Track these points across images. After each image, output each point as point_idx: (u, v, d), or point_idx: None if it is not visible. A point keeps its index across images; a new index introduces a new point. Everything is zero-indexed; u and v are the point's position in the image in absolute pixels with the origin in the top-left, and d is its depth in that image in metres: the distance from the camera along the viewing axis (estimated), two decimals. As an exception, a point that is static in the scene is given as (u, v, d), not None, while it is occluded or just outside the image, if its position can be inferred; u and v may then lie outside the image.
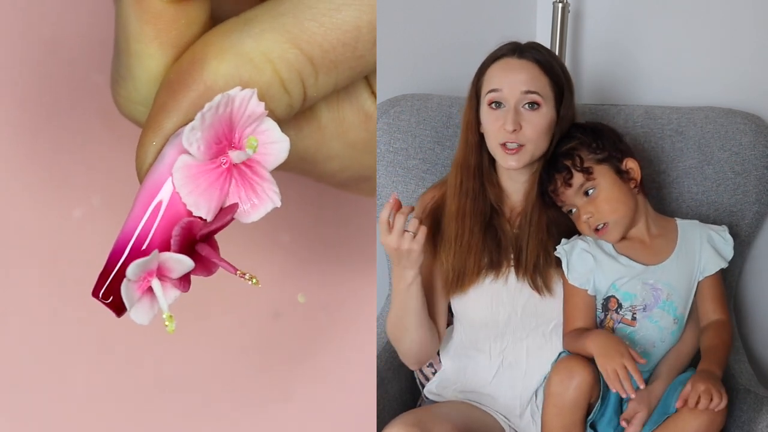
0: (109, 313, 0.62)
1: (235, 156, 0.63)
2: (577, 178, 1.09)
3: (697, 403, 1.01)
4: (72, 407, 0.86)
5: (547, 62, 1.10)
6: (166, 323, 0.62)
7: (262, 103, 0.63)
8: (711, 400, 1.01)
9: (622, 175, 1.11)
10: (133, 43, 0.65)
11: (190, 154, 0.62)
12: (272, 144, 0.64)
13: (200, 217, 0.63)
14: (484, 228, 1.13)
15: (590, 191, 1.09)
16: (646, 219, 1.12)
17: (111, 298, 0.62)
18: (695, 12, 1.39)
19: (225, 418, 0.87)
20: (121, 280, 0.61)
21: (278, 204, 0.65)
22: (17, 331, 0.85)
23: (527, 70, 1.09)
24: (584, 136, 1.11)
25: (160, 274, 0.63)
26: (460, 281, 1.13)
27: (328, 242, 0.89)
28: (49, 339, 0.85)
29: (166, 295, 0.63)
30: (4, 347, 0.85)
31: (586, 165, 1.09)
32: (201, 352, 0.87)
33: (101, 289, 0.62)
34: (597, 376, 1.06)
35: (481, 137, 1.12)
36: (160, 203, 0.62)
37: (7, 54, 0.85)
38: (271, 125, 0.64)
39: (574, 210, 1.11)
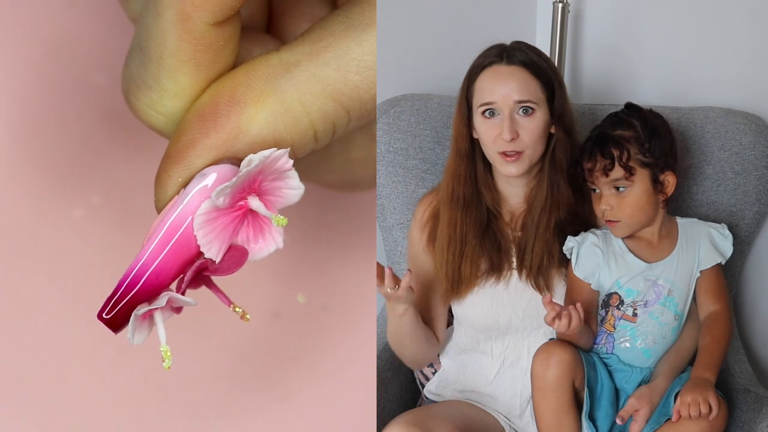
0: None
1: (254, 204, 0.64)
2: (617, 171, 1.08)
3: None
4: (72, 408, 0.86)
5: (534, 64, 1.09)
6: (164, 359, 0.63)
7: (291, 161, 0.63)
8: (709, 409, 1.02)
9: (656, 185, 1.10)
10: (168, 58, 0.63)
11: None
12: (289, 190, 0.65)
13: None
14: (481, 234, 1.12)
15: (621, 189, 1.09)
16: (660, 224, 1.13)
17: (111, 316, 0.63)
18: (695, 12, 1.39)
19: (225, 418, 0.87)
20: (127, 305, 0.63)
21: (281, 246, 0.66)
22: (18, 331, 0.85)
23: (517, 78, 1.08)
24: (642, 131, 1.10)
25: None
26: (456, 289, 1.13)
27: (328, 242, 0.89)
28: (49, 338, 0.85)
29: (162, 314, 0.64)
30: (4, 346, 0.85)
31: (630, 164, 1.08)
32: (201, 352, 0.87)
33: (105, 310, 0.63)
34: (577, 356, 1.06)
35: (473, 144, 1.12)
36: (176, 240, 0.63)
37: (8, 54, 0.85)
38: (292, 174, 0.64)
39: (597, 191, 1.11)
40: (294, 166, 0.64)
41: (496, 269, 1.13)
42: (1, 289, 0.85)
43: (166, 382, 0.86)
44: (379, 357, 1.22)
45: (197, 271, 0.64)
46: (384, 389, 1.19)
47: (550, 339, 1.10)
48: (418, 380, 1.27)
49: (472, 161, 1.12)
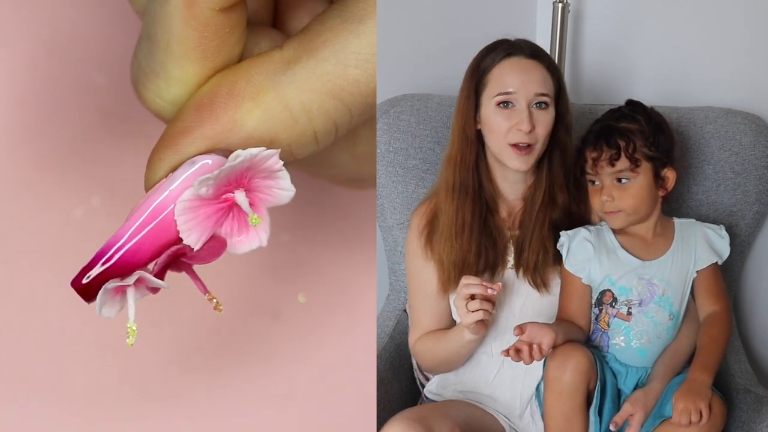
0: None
1: (239, 199, 0.64)
2: (623, 162, 1.09)
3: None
4: (72, 407, 0.86)
5: (548, 60, 1.11)
6: (130, 335, 0.63)
7: (281, 162, 0.63)
8: (700, 417, 1.02)
9: (658, 180, 1.11)
10: (175, 45, 0.63)
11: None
12: (279, 190, 0.64)
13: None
14: (480, 227, 1.13)
15: (625, 180, 1.09)
16: (655, 221, 1.13)
17: (83, 286, 0.63)
18: (695, 12, 1.39)
19: (225, 418, 0.87)
20: (99, 277, 0.63)
21: (264, 244, 0.65)
22: (17, 330, 0.85)
23: (538, 71, 1.09)
24: (647, 125, 1.11)
25: (137, 282, 0.64)
26: (459, 279, 1.13)
27: (328, 242, 0.89)
28: (49, 338, 0.85)
29: (136, 292, 0.64)
30: (4, 346, 0.85)
31: (636, 155, 1.09)
32: (201, 352, 0.87)
33: (80, 281, 0.63)
34: (593, 358, 1.06)
35: (478, 134, 1.12)
36: (157, 222, 0.63)
37: (7, 54, 0.85)
38: (284, 175, 0.64)
39: (596, 182, 1.11)
40: (299, 162, 0.64)
41: (491, 266, 1.13)
42: (1, 288, 0.85)
43: (166, 381, 0.86)
44: (379, 357, 1.22)
45: (174, 256, 0.64)
46: (384, 389, 1.19)
47: (567, 341, 1.09)
48: (418, 380, 1.27)
49: (476, 150, 1.13)
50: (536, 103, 1.08)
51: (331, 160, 0.70)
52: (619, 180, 1.09)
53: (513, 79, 1.09)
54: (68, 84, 0.85)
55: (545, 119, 1.08)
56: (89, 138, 0.86)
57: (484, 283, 1.03)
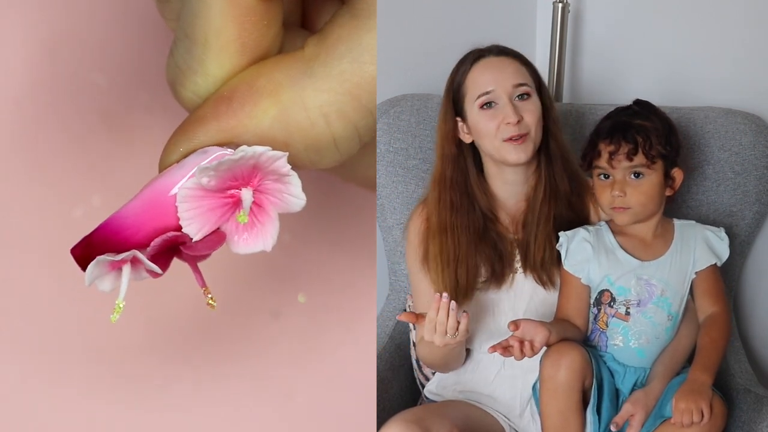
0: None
1: (244, 195, 0.63)
2: (639, 158, 1.09)
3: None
4: (71, 407, 0.86)
5: (520, 56, 1.11)
6: (115, 312, 0.63)
7: (288, 166, 0.62)
8: (701, 416, 1.02)
9: (667, 179, 1.11)
10: (214, 39, 0.63)
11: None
12: (290, 197, 0.64)
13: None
14: (477, 240, 1.12)
15: (640, 176, 1.09)
16: (656, 222, 1.13)
17: (80, 254, 0.63)
18: (695, 12, 1.39)
19: (224, 418, 0.87)
20: (97, 249, 0.63)
21: (268, 249, 0.64)
22: (17, 330, 0.85)
23: (509, 65, 1.09)
24: (660, 124, 1.11)
25: (134, 263, 0.63)
26: (453, 297, 1.12)
27: (328, 242, 0.89)
28: (49, 338, 0.85)
29: (134, 273, 0.63)
30: (4, 346, 0.85)
31: (652, 152, 1.09)
32: (201, 352, 0.87)
33: (80, 249, 0.63)
34: (587, 356, 1.06)
35: (459, 149, 1.12)
36: (159, 205, 0.63)
37: (7, 54, 0.85)
38: (295, 181, 0.63)
39: (607, 177, 1.11)
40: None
41: (498, 276, 1.12)
42: (1, 288, 0.85)
43: (165, 381, 0.86)
44: (379, 357, 1.22)
45: (170, 242, 0.63)
46: (384, 389, 1.19)
47: (562, 340, 1.09)
48: (418, 380, 1.27)
49: (458, 166, 1.12)
50: (518, 95, 1.08)
51: (367, 161, 0.69)
52: (635, 175, 1.09)
53: (488, 78, 1.09)
54: (68, 84, 0.85)
55: (531, 107, 1.08)
56: (89, 138, 0.86)
57: (437, 301, 1.02)
